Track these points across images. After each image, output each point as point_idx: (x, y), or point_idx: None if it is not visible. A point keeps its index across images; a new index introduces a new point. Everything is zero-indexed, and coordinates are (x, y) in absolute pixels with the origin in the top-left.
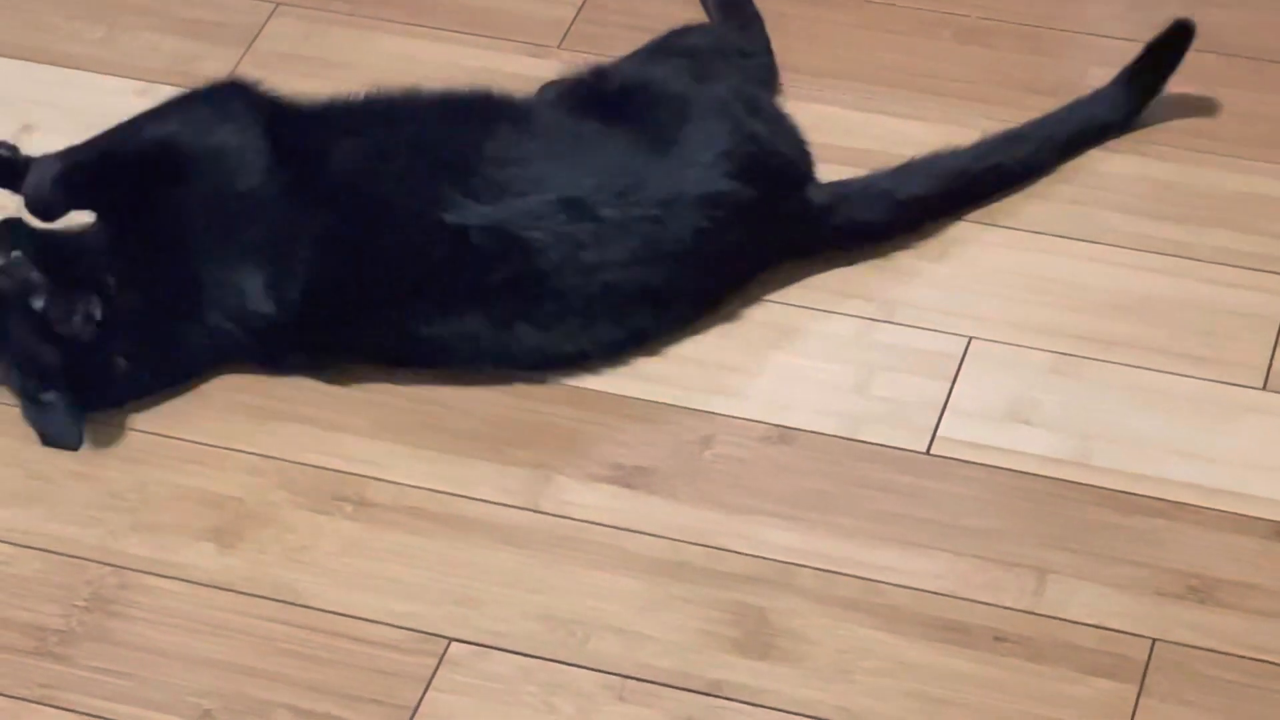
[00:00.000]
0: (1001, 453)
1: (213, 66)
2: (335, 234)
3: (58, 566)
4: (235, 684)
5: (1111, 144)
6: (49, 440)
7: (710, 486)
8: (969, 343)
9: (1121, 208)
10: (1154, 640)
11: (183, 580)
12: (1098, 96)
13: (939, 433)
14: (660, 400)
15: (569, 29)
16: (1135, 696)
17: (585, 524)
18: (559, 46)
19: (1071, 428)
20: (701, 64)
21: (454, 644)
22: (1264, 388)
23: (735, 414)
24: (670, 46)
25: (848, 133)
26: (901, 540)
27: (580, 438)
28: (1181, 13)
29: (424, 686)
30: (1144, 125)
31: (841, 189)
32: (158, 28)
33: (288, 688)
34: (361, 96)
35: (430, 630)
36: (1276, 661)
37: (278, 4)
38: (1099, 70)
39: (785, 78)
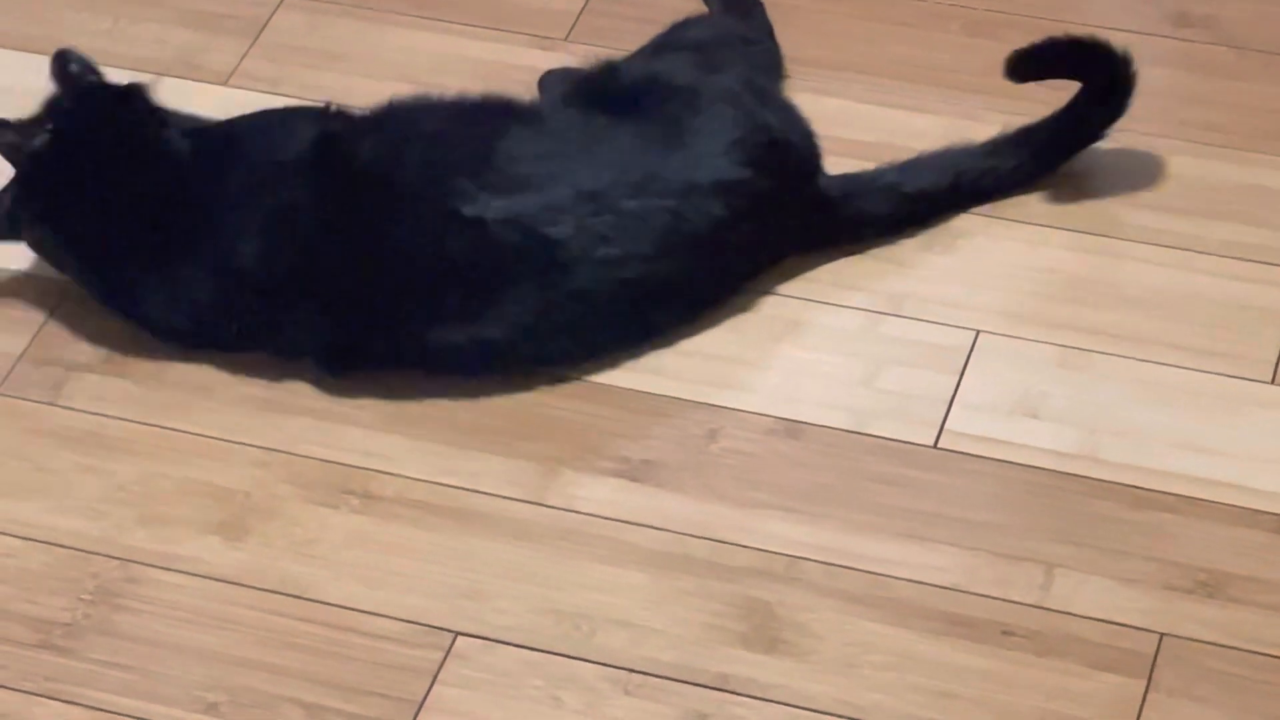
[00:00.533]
0: (1009, 446)
1: (219, 59)
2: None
3: (63, 560)
4: (241, 677)
5: (1119, 137)
6: None
7: (717, 480)
8: (976, 336)
9: (1130, 201)
10: (1162, 635)
11: (188, 574)
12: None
13: (946, 426)
14: (667, 394)
15: (576, 21)
16: (1143, 691)
17: (592, 518)
18: (566, 39)
19: (1079, 422)
20: (707, 55)
21: (460, 638)
22: (1272, 381)
23: (742, 407)
24: (675, 41)
25: (855, 125)
26: (908, 534)
27: (587, 431)
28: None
29: (430, 680)
30: (1153, 118)
31: (850, 181)
32: (165, 19)
33: (294, 681)
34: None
35: (436, 624)
36: None
37: None
38: None
39: (793, 70)
